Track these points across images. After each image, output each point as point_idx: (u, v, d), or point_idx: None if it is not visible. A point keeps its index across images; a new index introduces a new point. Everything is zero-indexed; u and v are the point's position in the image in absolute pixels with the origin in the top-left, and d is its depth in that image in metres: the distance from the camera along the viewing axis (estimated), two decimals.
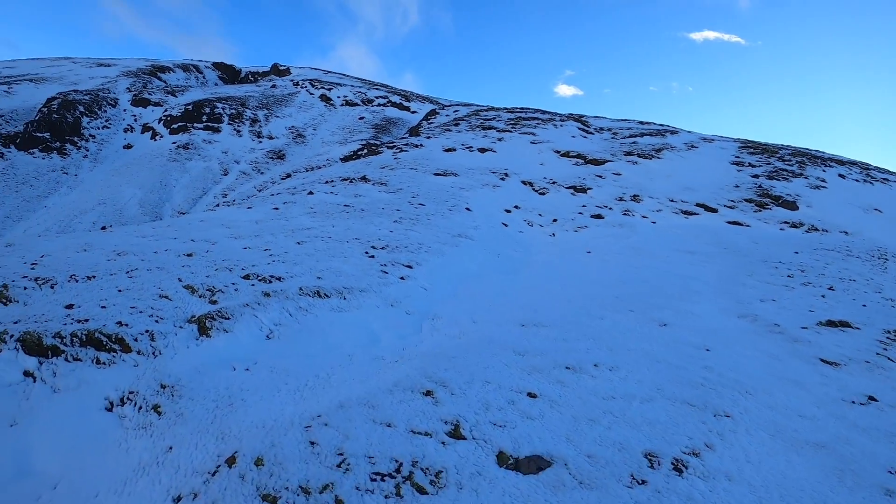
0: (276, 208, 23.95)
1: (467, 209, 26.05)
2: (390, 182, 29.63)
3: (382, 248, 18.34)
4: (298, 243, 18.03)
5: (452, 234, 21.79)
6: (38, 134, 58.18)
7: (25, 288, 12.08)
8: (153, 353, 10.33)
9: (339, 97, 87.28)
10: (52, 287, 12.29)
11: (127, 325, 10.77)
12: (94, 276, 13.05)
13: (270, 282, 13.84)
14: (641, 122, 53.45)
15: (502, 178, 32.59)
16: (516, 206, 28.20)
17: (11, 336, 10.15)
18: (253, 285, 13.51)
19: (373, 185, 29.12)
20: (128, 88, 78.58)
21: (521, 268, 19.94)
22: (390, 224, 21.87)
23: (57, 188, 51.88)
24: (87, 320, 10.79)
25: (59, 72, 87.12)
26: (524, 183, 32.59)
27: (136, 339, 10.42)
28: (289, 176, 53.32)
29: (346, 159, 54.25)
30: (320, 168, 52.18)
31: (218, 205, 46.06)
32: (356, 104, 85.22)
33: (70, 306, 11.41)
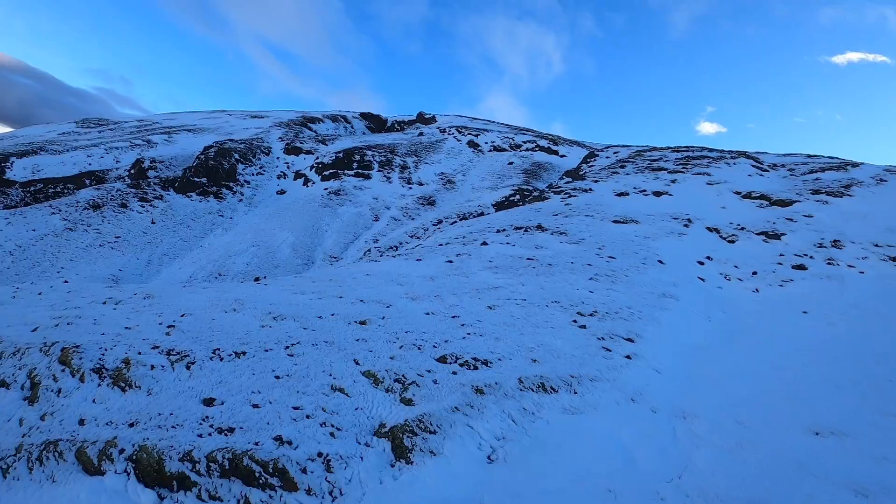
0: (451, 261, 20.19)
1: (660, 262, 21.55)
2: (570, 231, 25.48)
3: (591, 315, 14.13)
4: (490, 308, 14.06)
5: (655, 293, 17.37)
6: (195, 179, 59.47)
7: (153, 367, 8.73)
8: (331, 493, 6.47)
9: (486, 143, 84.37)
10: (188, 367, 8.85)
11: (290, 442, 7.00)
12: (243, 353, 9.55)
13: (476, 367, 9.87)
14: (809, 156, 47.16)
15: (686, 225, 27.82)
16: (708, 258, 23.42)
17: (122, 451, 6.72)
18: (454, 373, 9.57)
19: (551, 234, 25.03)
20: (280, 138, 79.41)
21: (739, 334, 15.33)
22: (586, 282, 17.64)
23: (212, 229, 52.23)
24: (231, 430, 7.17)
25: (215, 123, 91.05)
26: (709, 229, 27.70)
27: (303, 470, 6.59)
28: (440, 222, 50.73)
29: (498, 205, 51.79)
30: (474, 215, 49.19)
31: (369, 250, 43.95)
32: (504, 149, 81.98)
33: (210, 402, 7.90)
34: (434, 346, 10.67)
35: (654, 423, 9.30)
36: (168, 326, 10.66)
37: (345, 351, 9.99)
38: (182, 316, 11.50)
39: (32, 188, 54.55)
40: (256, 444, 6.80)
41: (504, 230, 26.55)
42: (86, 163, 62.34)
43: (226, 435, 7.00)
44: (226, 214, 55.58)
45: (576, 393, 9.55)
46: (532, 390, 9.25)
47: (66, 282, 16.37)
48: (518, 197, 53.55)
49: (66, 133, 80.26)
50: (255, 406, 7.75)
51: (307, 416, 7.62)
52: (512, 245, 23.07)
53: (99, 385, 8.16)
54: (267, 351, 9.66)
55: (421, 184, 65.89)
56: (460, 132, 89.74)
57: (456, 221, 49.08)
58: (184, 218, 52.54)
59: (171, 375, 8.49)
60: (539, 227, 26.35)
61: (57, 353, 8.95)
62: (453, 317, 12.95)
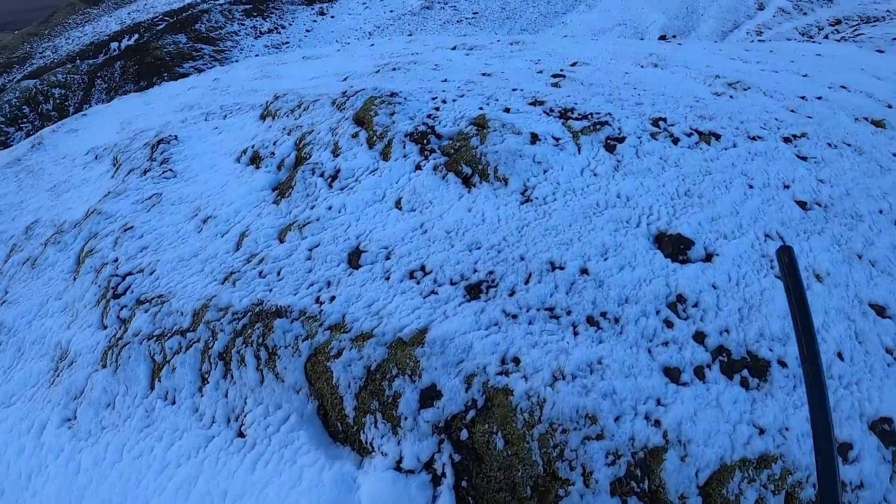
0: None
1: None
2: None
3: None
4: None
5: None
6: None
7: (537, 138, 3.95)
8: None
9: None
10: (609, 148, 3.92)
11: None
12: (714, 136, 4.35)
13: None
14: None
15: None
16: None
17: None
18: None
19: None
20: None
21: None
22: None
23: (575, 5, 46.80)
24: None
25: None
26: None
27: None
28: (839, 23, 40.77)
29: None
30: (881, 21, 39.11)
31: (752, 42, 36.55)
32: None
33: (672, 243, 2.83)
34: None
35: None
36: (554, 76, 5.88)
37: (891, 174, 4.54)
38: (573, 65, 6.68)
39: None
40: None
41: None
42: None
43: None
44: None
45: None
46: None
47: (410, 34, 12.32)
48: None
49: None
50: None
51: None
52: None
53: (416, 170, 3.69)
54: (753, 140, 4.44)
55: None
56: None
57: (858, 24, 38.60)
58: None
59: (573, 161, 3.68)
60: None
61: (357, 105, 4.64)
62: None
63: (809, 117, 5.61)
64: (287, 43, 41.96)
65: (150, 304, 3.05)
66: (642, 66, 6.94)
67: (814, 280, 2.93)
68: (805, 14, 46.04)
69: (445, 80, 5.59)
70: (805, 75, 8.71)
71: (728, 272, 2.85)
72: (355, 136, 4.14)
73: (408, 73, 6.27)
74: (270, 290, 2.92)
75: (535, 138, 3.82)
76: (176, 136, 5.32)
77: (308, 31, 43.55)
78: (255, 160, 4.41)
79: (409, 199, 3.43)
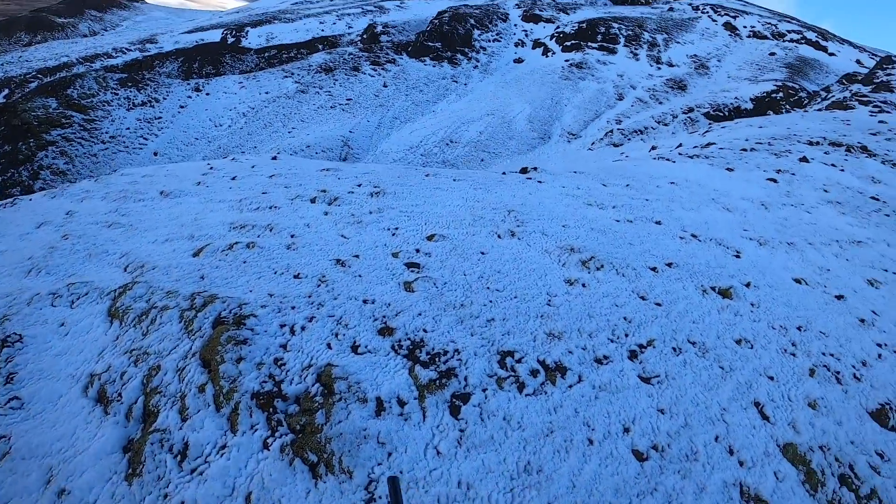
0: (773, 180, 13.72)
1: None
2: None
3: None
4: (871, 284, 7.99)
5: None
6: (429, 43, 57.58)
7: (382, 407, 4.08)
8: None
9: (744, 27, 72.01)
10: (453, 411, 4.06)
11: None
12: (559, 368, 4.61)
13: None
14: None
15: None
16: None
17: None
18: None
19: (882, 163, 16.77)
20: (517, 4, 74.05)
21: None
22: None
23: (446, 95, 49.78)
24: None
25: None
26: None
27: None
28: (692, 110, 45.47)
29: (757, 101, 45.74)
30: (730, 108, 44.39)
31: (611, 131, 39.65)
32: (765, 37, 69.54)
33: None
34: (856, 377, 5.25)
35: None
36: (408, 265, 6.08)
37: (732, 375, 4.88)
38: (430, 238, 6.94)
39: (266, 54, 56.09)
40: None
41: (818, 143, 18.73)
42: (318, 29, 63.71)
43: None
44: (460, 80, 52.47)
45: None
46: None
47: (274, 158, 12.33)
48: (781, 95, 46.75)
49: (299, 2, 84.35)
50: None
51: None
52: (840, 170, 15.52)
53: (264, 448, 3.61)
54: (600, 364, 4.62)
55: (671, 65, 57.97)
56: (715, 11, 77.61)
57: (709, 111, 44.54)
58: (416, 82, 50.34)
59: (417, 437, 3.70)
60: (864, 148, 18.44)
61: (205, 329, 4.63)
62: (837, 297, 7.20)
63: (658, 304, 5.97)
64: (160, 118, 41.47)
65: None
66: (499, 237, 7.24)
67: None
68: (661, 103, 50.50)
69: (297, 277, 5.61)
70: (658, 222, 9.30)
71: None
72: (202, 389, 4.00)
73: (261, 254, 6.21)
74: None
75: (380, 406, 3.83)
76: (21, 336, 5.00)
77: (182, 107, 43.19)
78: (103, 399, 4.17)
79: (259, 497, 3.31)
